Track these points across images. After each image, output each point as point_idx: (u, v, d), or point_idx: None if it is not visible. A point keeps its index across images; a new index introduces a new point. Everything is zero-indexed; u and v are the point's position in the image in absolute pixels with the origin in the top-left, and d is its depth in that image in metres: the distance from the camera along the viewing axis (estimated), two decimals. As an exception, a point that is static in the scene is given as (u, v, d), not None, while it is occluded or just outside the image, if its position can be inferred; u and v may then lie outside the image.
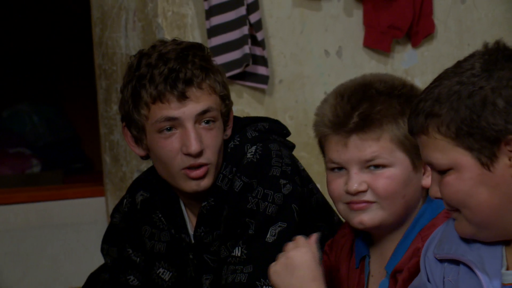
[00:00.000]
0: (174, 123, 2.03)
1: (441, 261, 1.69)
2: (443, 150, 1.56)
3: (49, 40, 5.74)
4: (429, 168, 1.87)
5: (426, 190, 1.89)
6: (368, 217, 1.85)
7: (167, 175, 2.09)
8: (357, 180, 1.84)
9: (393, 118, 1.84)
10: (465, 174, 1.56)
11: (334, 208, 1.98)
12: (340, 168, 1.86)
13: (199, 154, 2.03)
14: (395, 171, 1.84)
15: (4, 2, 5.66)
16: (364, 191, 1.84)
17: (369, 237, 1.93)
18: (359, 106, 1.84)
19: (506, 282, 1.60)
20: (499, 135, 1.53)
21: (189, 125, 2.03)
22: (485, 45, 1.60)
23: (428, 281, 1.70)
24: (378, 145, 1.83)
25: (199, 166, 2.04)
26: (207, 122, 2.05)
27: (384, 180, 1.84)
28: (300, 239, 1.84)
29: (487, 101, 1.53)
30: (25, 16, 5.73)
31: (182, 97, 2.01)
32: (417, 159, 1.86)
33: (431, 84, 1.60)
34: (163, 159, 2.06)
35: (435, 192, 1.62)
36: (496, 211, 1.56)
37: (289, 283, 1.81)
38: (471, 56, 1.59)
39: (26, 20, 5.73)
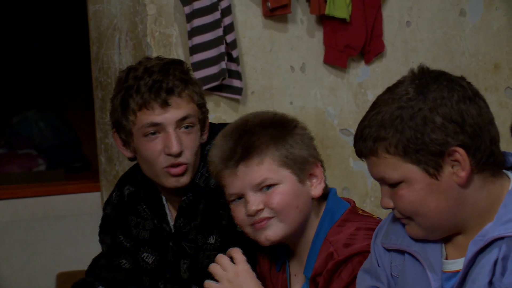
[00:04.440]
0: (157, 128, 2.02)
1: (388, 250, 1.68)
2: (394, 167, 1.54)
3: (53, 57, 5.70)
4: (314, 180, 1.86)
5: (316, 200, 1.87)
6: (271, 233, 1.82)
7: (151, 173, 2.07)
8: (254, 201, 1.81)
9: (272, 142, 1.82)
10: (416, 185, 1.54)
11: None
12: (240, 197, 1.84)
13: (179, 154, 2.02)
14: (284, 187, 1.82)
15: (17, 27, 5.63)
16: (262, 210, 1.81)
17: (286, 244, 1.91)
18: (240, 140, 1.82)
19: (446, 270, 1.59)
20: (442, 148, 1.52)
21: (171, 129, 2.01)
22: (412, 71, 1.59)
23: (378, 265, 1.69)
24: (263, 168, 1.81)
25: (179, 164, 2.03)
26: (186, 127, 2.04)
27: (277, 195, 1.81)
28: (224, 258, 1.81)
29: (427, 120, 1.52)
30: (33, 38, 5.70)
31: (165, 104, 2.00)
32: (301, 173, 1.84)
33: (370, 111, 1.57)
34: (148, 159, 2.04)
35: (386, 203, 1.59)
36: (445, 215, 1.55)
37: None
38: (401, 82, 1.57)
39: (34, 40, 5.70)
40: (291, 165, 1.83)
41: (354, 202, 1.92)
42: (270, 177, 1.81)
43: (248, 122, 1.86)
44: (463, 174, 1.53)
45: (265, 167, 1.81)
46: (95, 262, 2.28)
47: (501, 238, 1.50)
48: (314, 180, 1.86)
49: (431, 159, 1.52)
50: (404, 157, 1.53)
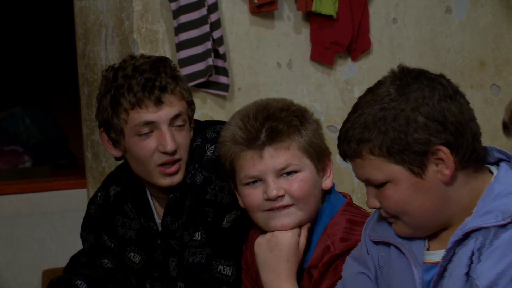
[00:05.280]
0: (151, 126, 2.01)
1: (375, 242, 1.69)
2: (379, 168, 1.55)
3: (40, 53, 5.68)
4: (327, 173, 1.87)
5: (323, 192, 1.88)
6: (289, 220, 1.82)
7: (144, 172, 2.06)
8: (275, 186, 1.80)
9: (296, 129, 1.82)
10: (401, 185, 1.55)
11: None
12: (255, 181, 1.83)
13: (174, 152, 2.02)
14: (305, 175, 1.82)
15: (2, 23, 5.61)
16: (283, 196, 1.81)
17: None
18: (266, 123, 1.81)
19: (426, 261, 1.61)
20: (426, 147, 1.53)
21: (165, 127, 2.01)
22: (392, 71, 1.59)
23: (368, 253, 1.70)
24: (289, 153, 1.81)
25: (173, 162, 2.03)
26: (179, 125, 2.04)
27: (298, 183, 1.81)
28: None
29: (410, 120, 1.52)
30: (19, 34, 5.68)
31: (159, 102, 1.99)
32: (318, 164, 1.85)
33: (353, 113, 1.58)
34: (141, 157, 2.03)
35: (372, 203, 1.60)
36: (430, 213, 1.56)
37: (266, 258, 1.82)
38: (382, 83, 1.58)
39: (21, 37, 5.68)
40: (311, 154, 1.83)
41: (350, 196, 1.93)
42: (294, 163, 1.81)
43: (271, 106, 1.84)
44: (447, 172, 1.54)
45: (291, 153, 1.81)
46: (75, 259, 2.27)
47: (478, 230, 1.52)
48: (326, 173, 1.88)
49: (415, 159, 1.53)
50: (389, 158, 1.54)
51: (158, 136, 2.01)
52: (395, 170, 1.54)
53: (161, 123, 2.00)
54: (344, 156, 1.59)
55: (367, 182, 1.59)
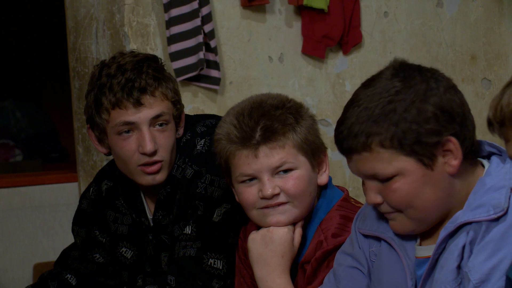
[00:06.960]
0: (131, 127, 2.00)
1: (366, 236, 1.69)
2: (388, 160, 1.53)
3: (30, 46, 5.67)
4: (323, 168, 1.86)
5: (319, 187, 1.88)
6: (284, 218, 1.82)
7: (126, 170, 2.07)
8: (271, 185, 1.80)
9: (291, 127, 1.82)
10: (410, 177, 1.53)
11: None
12: (251, 179, 1.83)
13: (154, 153, 2.01)
14: (300, 172, 1.82)
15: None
16: (278, 194, 1.81)
17: None
18: (261, 121, 1.80)
19: (418, 256, 1.61)
20: (437, 138, 1.52)
21: (144, 128, 2.00)
22: (392, 65, 1.58)
23: (359, 247, 1.70)
24: (284, 151, 1.80)
25: (154, 162, 2.02)
26: (161, 125, 2.02)
27: (293, 181, 1.81)
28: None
29: (421, 111, 1.52)
30: (11, 28, 5.65)
31: (138, 104, 1.98)
32: (313, 160, 1.85)
33: (355, 107, 1.55)
34: (122, 157, 2.03)
35: (373, 199, 1.58)
36: (436, 205, 1.56)
37: (261, 253, 1.82)
38: (381, 77, 1.56)
39: (11, 30, 5.65)
40: (306, 151, 1.83)
41: (347, 190, 1.93)
42: (289, 161, 1.81)
43: (265, 102, 1.83)
44: (455, 163, 1.54)
45: (286, 151, 1.81)
46: (66, 253, 2.27)
47: (469, 223, 1.53)
48: (321, 168, 1.87)
49: (427, 150, 1.52)
50: (400, 150, 1.52)
51: (138, 137, 2.01)
52: (405, 162, 1.52)
53: (141, 124, 2.00)
54: (349, 152, 1.56)
55: (373, 177, 1.56)
